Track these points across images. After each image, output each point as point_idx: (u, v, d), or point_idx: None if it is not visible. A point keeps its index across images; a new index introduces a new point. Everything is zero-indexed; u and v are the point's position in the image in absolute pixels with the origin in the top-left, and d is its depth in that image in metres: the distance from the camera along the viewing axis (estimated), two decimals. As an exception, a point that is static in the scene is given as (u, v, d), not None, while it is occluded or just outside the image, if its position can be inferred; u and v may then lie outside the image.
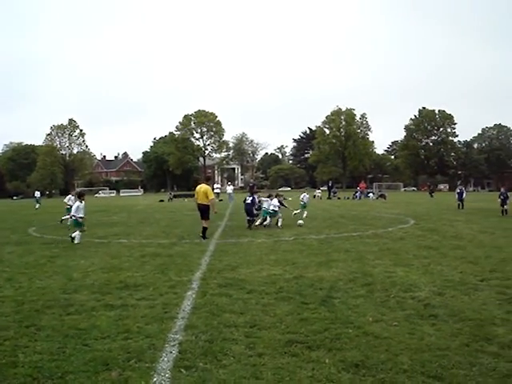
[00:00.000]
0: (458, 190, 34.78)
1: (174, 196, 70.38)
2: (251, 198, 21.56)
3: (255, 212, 21.76)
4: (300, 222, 21.57)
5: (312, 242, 15.68)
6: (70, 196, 25.87)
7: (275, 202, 21.48)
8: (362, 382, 4.79)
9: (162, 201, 61.92)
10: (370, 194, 60.49)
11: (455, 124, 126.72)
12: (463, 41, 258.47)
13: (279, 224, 20.84)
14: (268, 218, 21.27)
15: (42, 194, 58.78)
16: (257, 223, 21.28)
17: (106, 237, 18.29)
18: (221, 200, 49.81)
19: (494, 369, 5.10)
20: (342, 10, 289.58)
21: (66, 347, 5.90)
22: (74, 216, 16.71)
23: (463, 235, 17.08)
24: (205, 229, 17.29)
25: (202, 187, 17.75)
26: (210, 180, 19.80)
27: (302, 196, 26.61)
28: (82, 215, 16.71)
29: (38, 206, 47.54)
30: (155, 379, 4.93)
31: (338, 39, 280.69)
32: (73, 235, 16.36)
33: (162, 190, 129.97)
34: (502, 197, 27.03)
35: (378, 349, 5.69)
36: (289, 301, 8.03)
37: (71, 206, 24.14)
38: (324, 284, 9.27)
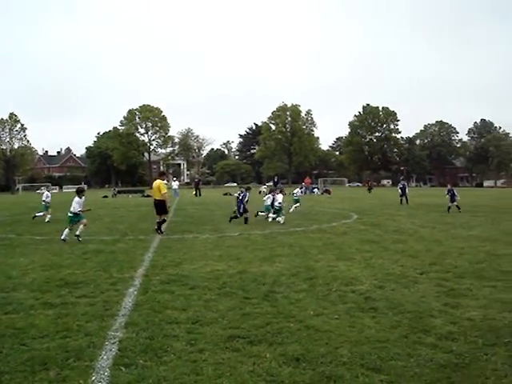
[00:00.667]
0: (401, 186, 35.40)
1: (118, 192, 69.47)
2: (242, 194, 21.46)
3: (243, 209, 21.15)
4: (279, 218, 20.88)
5: (257, 238, 15.77)
6: (46, 193, 25.37)
7: (279, 197, 21.37)
8: (301, 376, 4.85)
9: (105, 197, 61.03)
10: (315, 190, 61.17)
11: (398, 121, 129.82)
12: (407, 40, 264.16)
13: (281, 221, 20.44)
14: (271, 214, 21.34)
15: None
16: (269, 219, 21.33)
17: (48, 234, 17.90)
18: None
19: (432, 359, 5.25)
20: (286, 8, 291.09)
21: (2, 347, 5.75)
22: (74, 213, 15.93)
23: (404, 229, 17.51)
24: (160, 223, 17.34)
25: (156, 183, 17.93)
26: (163, 175, 19.83)
27: (295, 191, 28.29)
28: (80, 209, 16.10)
29: None
30: (94, 378, 4.86)
31: (284, 36, 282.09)
32: (77, 233, 15.59)
33: (107, 185, 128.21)
34: (449, 193, 27.23)
35: (319, 342, 5.77)
36: (231, 296, 8.06)
37: (47, 203, 23.78)
38: (267, 279, 9.34)
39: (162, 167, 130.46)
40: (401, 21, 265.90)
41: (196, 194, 55.84)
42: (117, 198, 58.60)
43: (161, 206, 17.46)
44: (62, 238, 15.44)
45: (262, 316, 6.84)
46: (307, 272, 9.93)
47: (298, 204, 27.19)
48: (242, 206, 21.05)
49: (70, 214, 16.04)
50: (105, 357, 5.42)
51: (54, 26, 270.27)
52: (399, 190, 35.62)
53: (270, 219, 21.32)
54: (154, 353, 5.51)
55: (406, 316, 6.78)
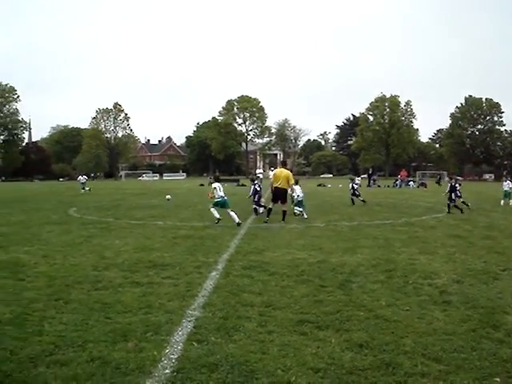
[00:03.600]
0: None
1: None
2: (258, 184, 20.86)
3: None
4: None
5: (343, 229, 15.85)
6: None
7: (298, 189, 20.72)
8: (362, 361, 5.00)
9: (202, 185, 62.54)
10: (411, 183, 59.98)
11: (502, 113, 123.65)
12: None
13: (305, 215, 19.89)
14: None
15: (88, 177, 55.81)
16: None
17: (143, 218, 18.79)
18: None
19: (495, 354, 5.22)
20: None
21: (89, 319, 6.28)
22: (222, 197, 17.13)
23: (496, 225, 16.96)
24: (285, 212, 17.78)
25: (283, 172, 18.07)
26: (286, 165, 20.00)
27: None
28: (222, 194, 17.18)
29: (83, 191, 43.18)
30: (167, 350, 5.24)
31: (381, 24, 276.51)
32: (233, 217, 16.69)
33: (205, 174, 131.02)
34: None
35: (385, 331, 5.88)
36: (307, 283, 8.27)
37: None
38: (345, 269, 9.46)
39: (258, 157, 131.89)
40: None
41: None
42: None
43: (284, 195, 17.76)
44: (237, 221, 16.48)
45: (334, 303, 7.01)
46: (387, 264, 9.95)
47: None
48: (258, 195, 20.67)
49: (225, 198, 17.21)
50: (180, 333, 5.80)
51: (155, 18, 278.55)
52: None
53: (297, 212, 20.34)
54: (225, 331, 5.83)
55: (478, 311, 6.71)
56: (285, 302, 7.12)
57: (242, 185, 57.70)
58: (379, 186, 58.11)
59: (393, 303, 7.07)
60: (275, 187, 17.82)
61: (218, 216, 16.86)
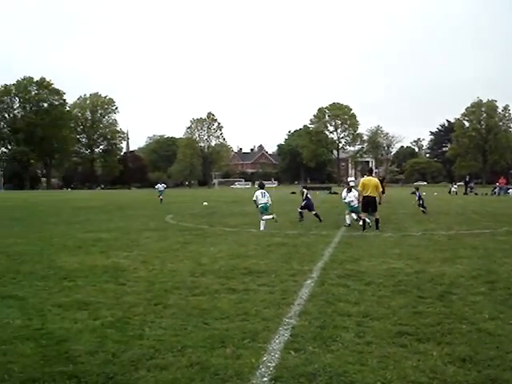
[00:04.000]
0: None
1: (306, 188, 70.81)
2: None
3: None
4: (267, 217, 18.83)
5: (440, 238, 15.35)
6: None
7: (348, 193, 20.19)
8: (465, 376, 4.77)
9: (293, 193, 62.53)
10: (510, 190, 57.45)
11: None
12: None
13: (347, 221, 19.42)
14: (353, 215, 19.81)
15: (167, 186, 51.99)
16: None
17: (237, 226, 19.02)
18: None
19: None
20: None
21: (187, 324, 6.37)
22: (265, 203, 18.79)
23: None
24: (378, 220, 17.63)
25: (372, 180, 18.02)
26: (372, 173, 19.89)
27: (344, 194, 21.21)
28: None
29: (161, 197, 40.16)
30: (265, 358, 5.22)
31: (476, 24, 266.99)
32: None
33: (296, 182, 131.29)
34: None
35: (489, 345, 5.59)
36: (405, 294, 8.03)
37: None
38: (444, 280, 9.12)
39: (349, 164, 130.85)
40: None
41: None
42: (304, 195, 59.83)
43: (375, 203, 17.54)
44: (262, 228, 17.82)
45: (434, 315, 6.76)
46: (488, 275, 9.51)
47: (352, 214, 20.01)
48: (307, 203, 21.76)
49: (267, 204, 18.83)
50: (277, 340, 5.77)
51: (246, 30, 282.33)
52: None
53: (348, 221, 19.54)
54: (322, 341, 5.74)
55: None
56: (382, 312, 6.94)
57: (334, 193, 57.33)
58: (476, 194, 56.14)
59: (496, 316, 6.73)
60: (365, 196, 17.56)
61: (268, 217, 18.51)
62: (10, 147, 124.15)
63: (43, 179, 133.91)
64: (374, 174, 19.64)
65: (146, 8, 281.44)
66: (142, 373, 4.87)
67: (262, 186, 19.56)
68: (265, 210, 18.62)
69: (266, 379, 4.71)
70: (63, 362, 5.14)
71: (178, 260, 11.44)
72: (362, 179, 18.47)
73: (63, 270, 10.22)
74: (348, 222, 19.35)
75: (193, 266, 10.68)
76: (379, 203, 18.15)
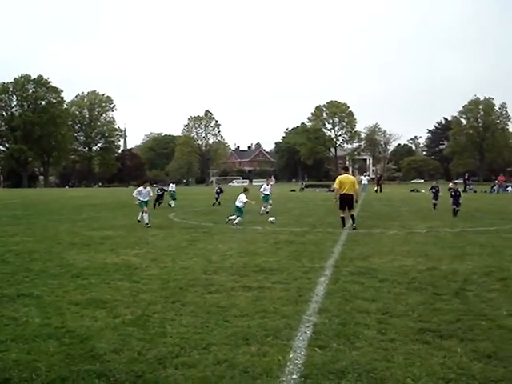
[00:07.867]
0: None
1: (306, 186, 71.05)
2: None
3: None
4: (271, 219, 19.76)
5: (446, 235, 15.40)
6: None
7: (243, 197, 19.90)
8: (493, 372, 4.78)
9: (293, 190, 62.74)
10: (509, 188, 57.52)
11: None
12: None
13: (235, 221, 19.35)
14: None
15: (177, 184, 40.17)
16: None
17: (242, 223, 18.97)
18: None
19: None
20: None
21: (208, 322, 6.37)
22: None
23: None
24: (353, 216, 17.54)
25: (349, 178, 17.86)
26: (348, 170, 19.77)
27: (262, 188, 24.81)
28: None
29: (173, 203, 31.73)
30: (291, 355, 5.22)
31: (474, 22, 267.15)
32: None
33: (293, 179, 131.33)
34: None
35: (511, 342, 5.63)
36: (421, 291, 8.04)
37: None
38: (458, 277, 9.14)
39: (347, 162, 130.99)
40: None
41: (376, 191, 55.29)
42: (304, 192, 60.00)
43: (351, 201, 17.31)
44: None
45: (453, 312, 6.77)
46: (500, 272, 9.53)
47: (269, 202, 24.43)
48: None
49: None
50: (300, 338, 5.77)
51: (242, 29, 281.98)
52: None
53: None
54: (346, 338, 5.75)
55: None
56: (401, 309, 6.95)
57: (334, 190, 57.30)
58: (475, 192, 56.17)
59: (515, 313, 6.75)
60: (342, 194, 17.32)
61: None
62: (7, 145, 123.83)
63: (41, 177, 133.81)
64: (350, 172, 19.51)
65: (144, 6, 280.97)
66: (170, 371, 4.86)
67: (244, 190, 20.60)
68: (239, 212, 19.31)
69: (295, 376, 4.71)
70: (89, 361, 5.13)
71: (189, 258, 11.44)
72: (339, 177, 17.99)
73: (75, 268, 10.20)
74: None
75: (204, 263, 10.69)
76: (356, 201, 17.93)
